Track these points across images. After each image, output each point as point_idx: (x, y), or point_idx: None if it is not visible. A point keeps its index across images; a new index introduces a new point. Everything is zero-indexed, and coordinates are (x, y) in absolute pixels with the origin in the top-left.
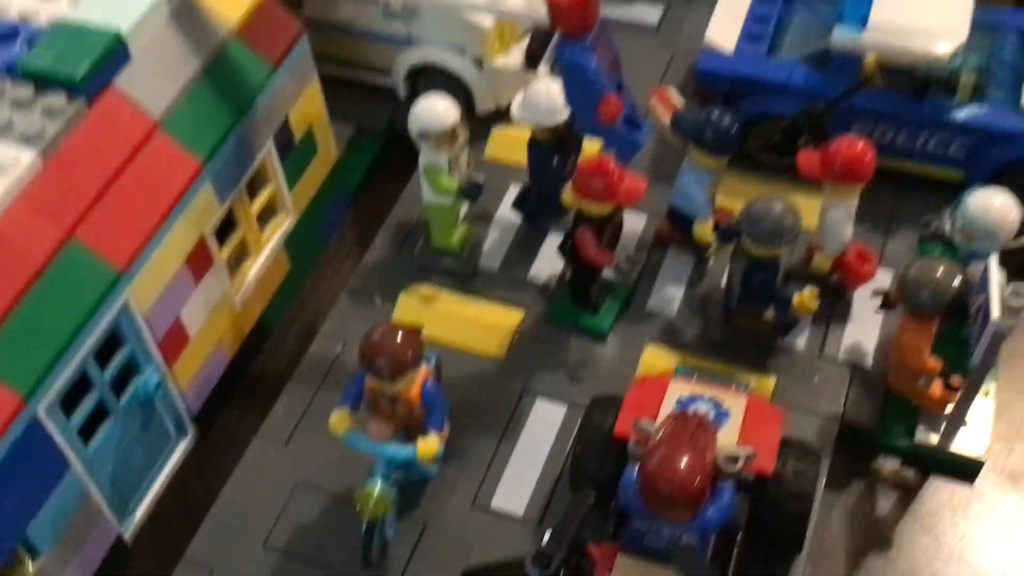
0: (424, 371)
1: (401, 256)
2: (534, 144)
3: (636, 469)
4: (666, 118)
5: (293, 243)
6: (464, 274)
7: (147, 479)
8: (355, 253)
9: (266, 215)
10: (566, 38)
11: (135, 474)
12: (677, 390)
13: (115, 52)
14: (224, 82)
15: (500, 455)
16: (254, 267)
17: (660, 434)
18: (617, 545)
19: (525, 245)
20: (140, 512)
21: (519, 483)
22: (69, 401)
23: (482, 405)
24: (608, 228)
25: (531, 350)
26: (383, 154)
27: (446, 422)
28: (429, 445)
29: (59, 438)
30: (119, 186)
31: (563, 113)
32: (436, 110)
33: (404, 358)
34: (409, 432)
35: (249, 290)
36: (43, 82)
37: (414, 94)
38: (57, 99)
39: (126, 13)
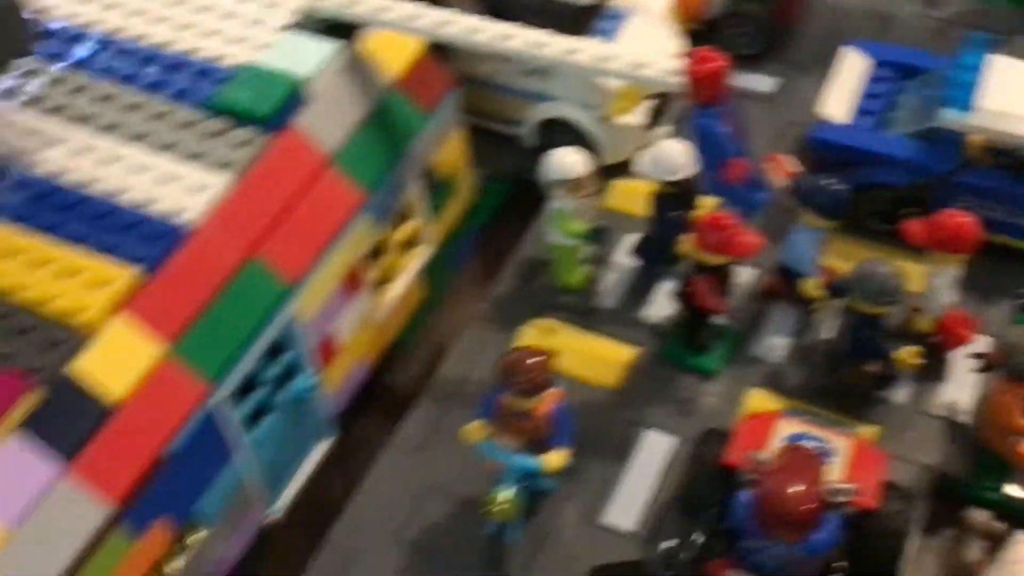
0: (555, 392)
1: (525, 291)
2: (658, 197)
3: (749, 493)
4: (779, 182)
5: (429, 272)
6: (583, 311)
7: (293, 471)
8: (481, 285)
9: (408, 245)
10: (699, 106)
11: (284, 466)
12: (785, 427)
13: (296, 94)
14: (385, 126)
15: (612, 477)
16: (395, 290)
17: (776, 461)
18: (727, 561)
19: (639, 288)
20: (284, 500)
21: (629, 503)
22: (239, 395)
23: (596, 431)
24: (722, 278)
25: (643, 384)
26: (509, 197)
27: (571, 439)
28: (556, 459)
29: (229, 427)
30: (294, 212)
31: (687, 170)
32: (569, 161)
33: (539, 378)
34: (534, 448)
35: (389, 311)
36: (235, 117)
37: (542, 145)
38: (246, 132)
39: (305, 61)
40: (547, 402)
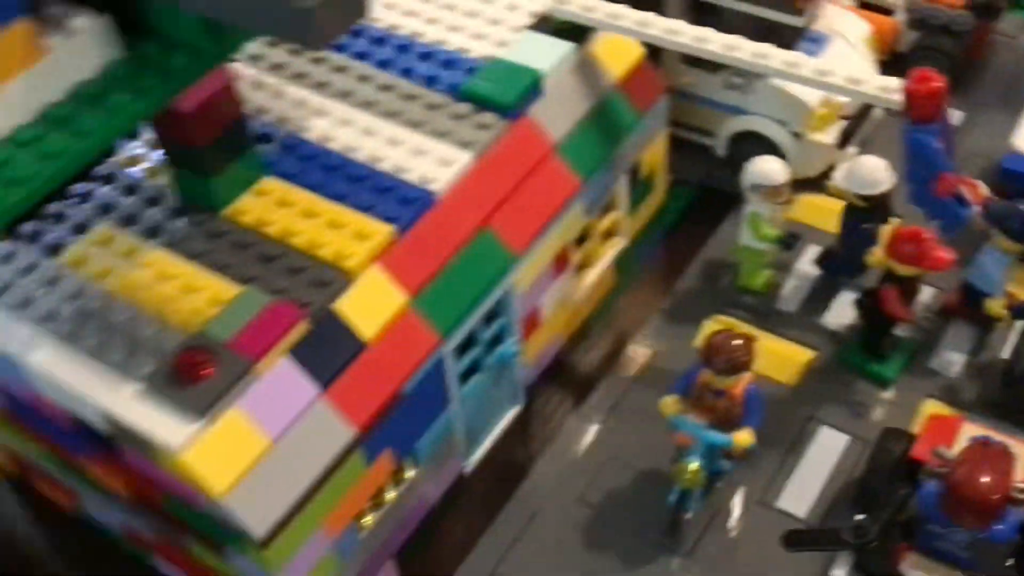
0: (750, 375)
1: (708, 289)
2: (851, 210)
3: (936, 483)
4: (973, 204)
5: (620, 263)
6: (763, 312)
7: (487, 429)
8: (664, 281)
9: (607, 235)
10: (915, 122)
11: (481, 422)
12: (969, 429)
13: (536, 87)
14: (604, 122)
15: (786, 467)
16: (592, 275)
17: (965, 455)
18: (909, 544)
19: (820, 296)
20: (478, 455)
21: (802, 491)
22: (458, 352)
23: (773, 423)
24: (909, 289)
25: (819, 385)
26: (695, 203)
27: (759, 422)
28: (745, 437)
29: (449, 378)
30: (522, 191)
31: (884, 185)
32: (771, 168)
33: (740, 358)
34: (721, 427)
35: (586, 292)
36: (479, 103)
37: (731, 156)
38: (487, 117)
39: (545, 58)
40: (743, 383)
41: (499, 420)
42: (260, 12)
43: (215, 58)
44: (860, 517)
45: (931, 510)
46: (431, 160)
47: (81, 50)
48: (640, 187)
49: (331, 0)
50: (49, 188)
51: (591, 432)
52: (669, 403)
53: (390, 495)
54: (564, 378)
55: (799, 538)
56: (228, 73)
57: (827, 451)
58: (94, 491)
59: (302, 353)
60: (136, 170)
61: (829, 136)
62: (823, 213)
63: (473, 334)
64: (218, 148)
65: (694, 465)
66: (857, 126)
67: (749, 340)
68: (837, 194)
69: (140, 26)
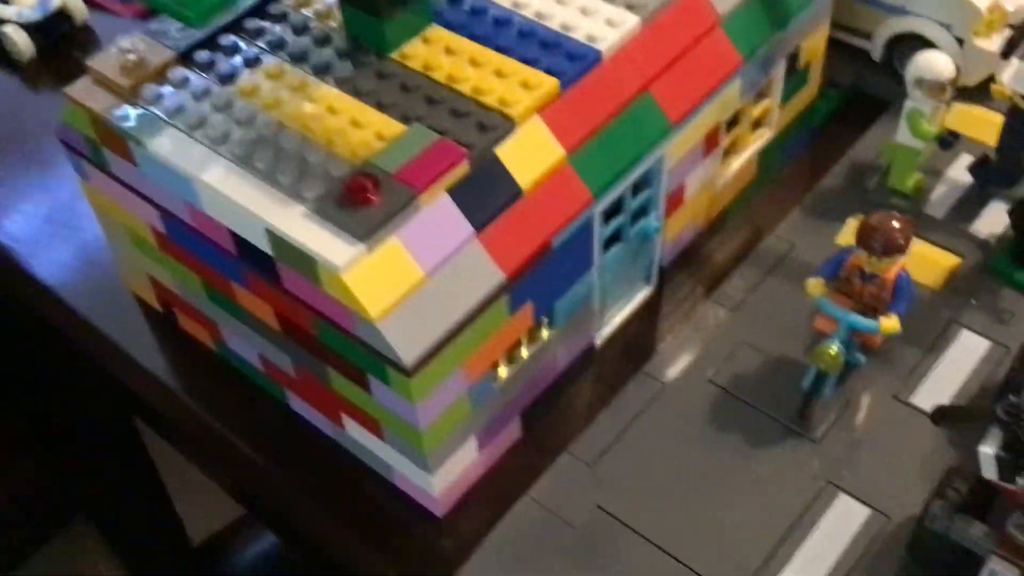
0: (902, 260)
1: (853, 189)
2: (1014, 113)
3: None
4: None
5: (764, 155)
6: (911, 215)
7: (621, 305)
8: (806, 180)
9: (757, 124)
10: None
11: (616, 296)
12: None
13: None
14: (770, 2)
15: (923, 366)
16: (736, 163)
17: None
18: None
19: (968, 204)
20: (609, 328)
21: (937, 391)
22: (605, 216)
23: (913, 324)
24: None
25: (963, 290)
26: (845, 105)
27: (907, 310)
28: (893, 322)
29: (594, 240)
30: (685, 60)
31: None
32: (939, 63)
33: (898, 239)
34: (864, 314)
35: (728, 180)
36: None
37: (887, 60)
38: None
39: None
40: (897, 267)
41: (633, 297)
42: None
43: None
44: (1014, 398)
45: None
46: (598, 20)
47: None
48: (795, 77)
49: None
50: None
51: (723, 318)
52: (815, 284)
53: (525, 351)
54: (698, 265)
55: (949, 413)
56: None
57: (967, 354)
58: (239, 322)
59: (461, 193)
60: (308, 11)
61: (994, 44)
62: (979, 123)
63: (621, 200)
64: None
65: (834, 348)
66: (1022, 37)
67: (908, 222)
68: (1001, 97)
69: None
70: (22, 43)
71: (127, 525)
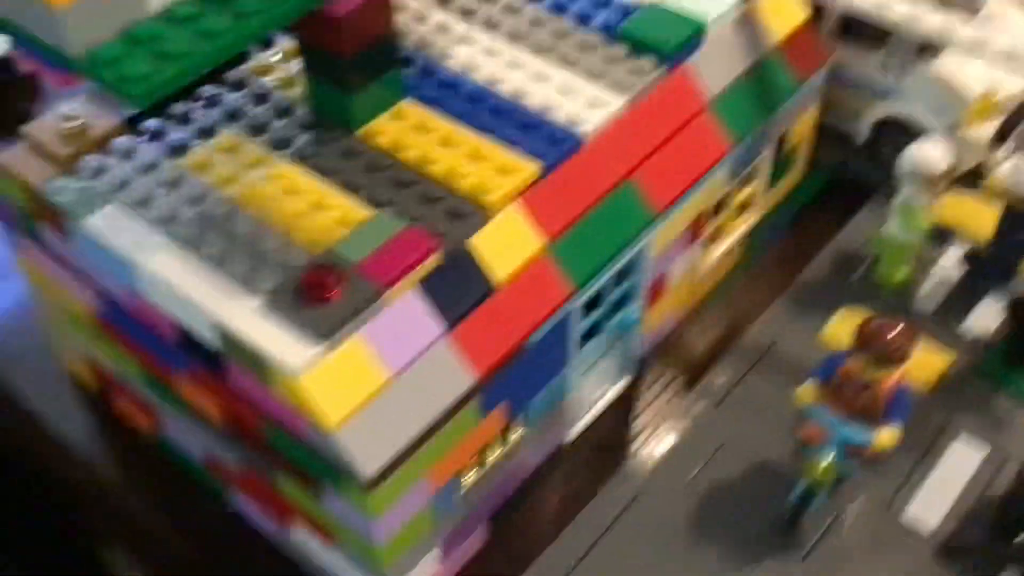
0: (902, 368)
1: (837, 280)
2: (1011, 211)
3: None
4: None
5: (748, 240)
6: (899, 311)
7: (595, 399)
8: (788, 267)
9: (743, 208)
10: None
11: (591, 391)
12: None
13: (698, 36)
14: (761, 84)
15: (916, 475)
16: (720, 249)
17: None
18: None
19: (959, 300)
20: (582, 423)
21: (932, 504)
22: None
23: (905, 430)
24: None
25: (956, 393)
26: (829, 187)
27: (905, 422)
28: (889, 436)
29: (572, 335)
30: (671, 145)
31: None
32: (933, 154)
33: (900, 351)
34: (857, 421)
35: (710, 268)
36: (637, 47)
37: (873, 144)
38: (646, 63)
39: (709, 8)
40: (896, 376)
41: (607, 391)
42: None
43: None
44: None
45: None
46: (580, 100)
47: None
48: (782, 161)
49: None
50: (202, 68)
51: (703, 416)
52: (808, 391)
53: (494, 454)
54: (677, 355)
55: (961, 551)
56: None
57: (961, 463)
58: (181, 413)
59: (432, 287)
60: (269, 79)
61: (985, 133)
62: (969, 213)
63: (601, 292)
64: (363, 61)
65: (826, 461)
66: (1014, 125)
67: (911, 329)
68: (998, 192)
69: None
70: None
71: None
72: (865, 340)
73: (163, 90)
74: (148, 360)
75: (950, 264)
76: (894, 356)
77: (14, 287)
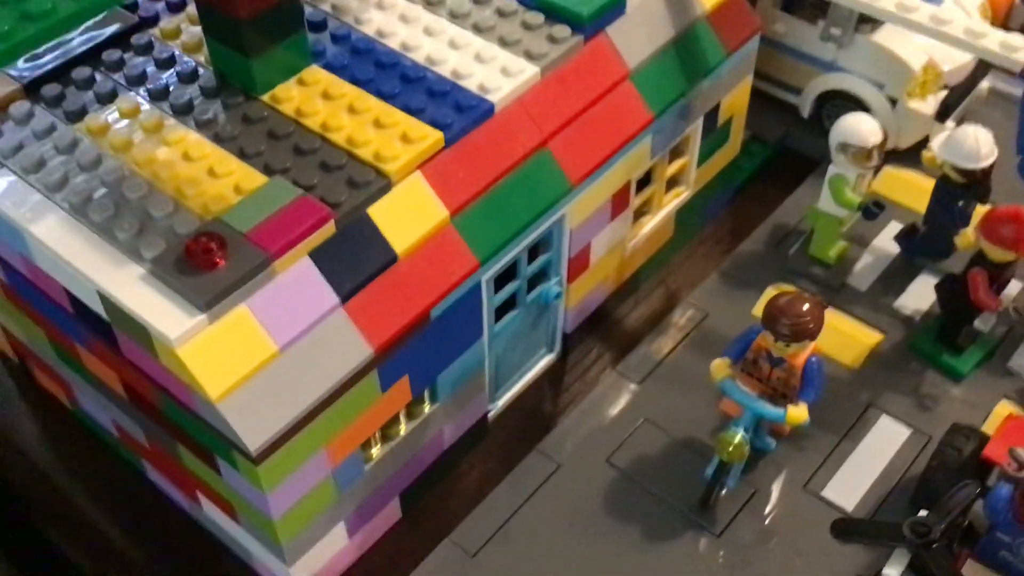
0: (812, 345)
1: (773, 255)
2: (944, 183)
3: (1010, 487)
4: None
5: (681, 215)
6: (832, 286)
7: (517, 374)
8: (726, 242)
9: (672, 183)
10: None
11: (512, 365)
12: None
13: (617, 4)
14: (687, 54)
15: (838, 453)
16: (650, 224)
17: None
18: (968, 552)
19: (895, 276)
20: (504, 400)
21: (852, 482)
22: (497, 283)
23: (829, 406)
24: (999, 278)
25: (884, 371)
26: (769, 162)
27: (816, 398)
28: (800, 412)
29: (483, 308)
30: (589, 115)
31: (984, 160)
32: (864, 128)
33: (807, 325)
34: (772, 399)
35: (640, 242)
36: (553, 14)
37: (816, 116)
38: (562, 30)
39: None
40: (806, 353)
41: (531, 366)
42: None
43: None
44: (923, 514)
45: (1002, 515)
46: (493, 68)
47: None
48: (715, 135)
49: None
50: (66, 28)
51: (628, 391)
52: (720, 366)
53: (403, 428)
54: (606, 330)
55: (852, 528)
56: None
57: (885, 442)
58: (88, 384)
59: (325, 257)
60: (175, 43)
61: (928, 106)
62: (909, 188)
63: (516, 264)
64: (263, 24)
65: (738, 436)
66: (959, 98)
67: (818, 305)
68: (931, 164)
69: None
70: None
71: None
72: (773, 317)
73: (26, 48)
74: (53, 330)
75: (885, 241)
76: (802, 332)
77: None
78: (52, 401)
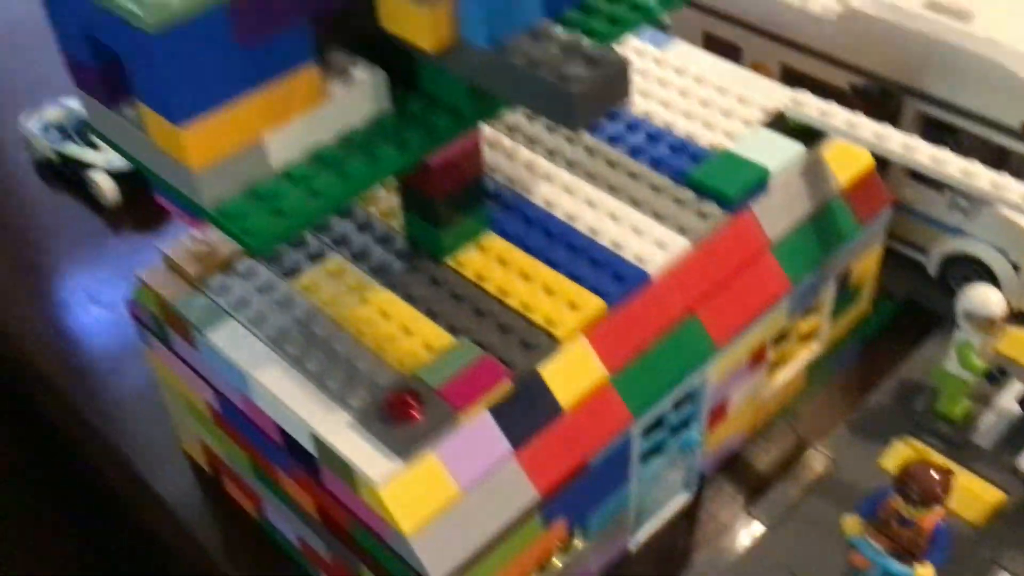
0: (941, 510)
1: (899, 409)
2: None
3: None
4: None
5: (812, 368)
6: (957, 443)
7: (657, 511)
8: (855, 393)
9: (805, 338)
10: None
11: (654, 503)
12: None
13: (761, 184)
14: (823, 227)
15: None
16: (783, 376)
17: None
18: None
19: (1018, 436)
20: (644, 534)
21: None
22: (645, 431)
23: (951, 563)
24: None
25: (1007, 529)
26: (897, 318)
27: (943, 562)
28: (927, 572)
29: (633, 456)
30: (732, 284)
31: None
32: (990, 299)
33: (935, 491)
34: (899, 555)
35: (773, 394)
36: (702, 191)
37: (943, 276)
38: (710, 207)
39: (775, 157)
40: (934, 517)
41: (670, 504)
42: (526, 89)
43: (474, 120)
44: None
45: None
46: (648, 240)
47: (357, 100)
48: (846, 295)
49: (596, 84)
50: (309, 223)
51: (759, 533)
52: (852, 523)
53: (557, 563)
54: (739, 473)
55: None
56: (478, 133)
57: None
58: (281, 501)
59: (502, 410)
60: (373, 208)
61: None
62: None
63: (662, 417)
64: (453, 201)
65: None
66: None
67: (947, 474)
68: None
69: (409, 83)
70: (108, 189)
71: None
72: (904, 482)
73: (278, 242)
74: (255, 454)
75: (1009, 401)
76: (930, 497)
77: (144, 369)
78: (240, 511)
